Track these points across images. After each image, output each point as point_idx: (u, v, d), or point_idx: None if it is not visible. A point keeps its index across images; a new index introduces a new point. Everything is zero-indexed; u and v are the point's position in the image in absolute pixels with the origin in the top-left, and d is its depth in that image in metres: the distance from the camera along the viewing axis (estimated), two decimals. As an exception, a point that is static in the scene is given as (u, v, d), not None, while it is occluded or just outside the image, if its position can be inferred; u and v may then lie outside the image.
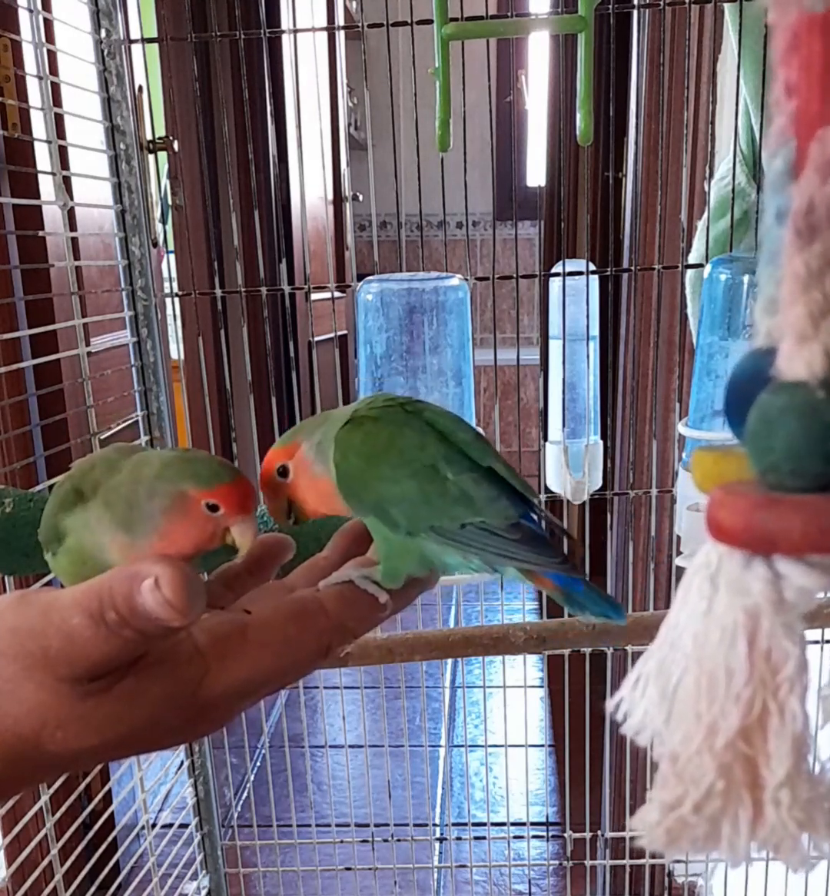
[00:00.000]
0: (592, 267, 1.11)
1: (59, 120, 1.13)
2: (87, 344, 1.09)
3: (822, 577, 0.25)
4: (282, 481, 0.43)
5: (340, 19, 2.14)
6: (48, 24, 1.17)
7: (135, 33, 1.07)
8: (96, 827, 1.14)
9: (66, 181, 1.05)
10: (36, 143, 1.28)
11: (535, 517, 0.41)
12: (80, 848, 1.06)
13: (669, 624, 0.29)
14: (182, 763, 1.27)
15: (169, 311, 1.24)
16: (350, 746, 1.92)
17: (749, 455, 0.28)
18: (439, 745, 2.08)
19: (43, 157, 1.19)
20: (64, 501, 0.42)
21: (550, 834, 1.64)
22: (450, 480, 0.40)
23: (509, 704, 1.36)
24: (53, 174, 1.01)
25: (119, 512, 0.40)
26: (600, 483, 1.19)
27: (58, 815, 1.02)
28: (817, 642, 1.12)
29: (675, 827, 0.26)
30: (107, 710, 0.35)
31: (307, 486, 0.43)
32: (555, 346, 1.17)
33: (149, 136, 1.10)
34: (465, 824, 1.64)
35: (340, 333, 2.17)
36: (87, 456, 0.45)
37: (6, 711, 0.34)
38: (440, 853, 1.71)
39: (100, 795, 1.22)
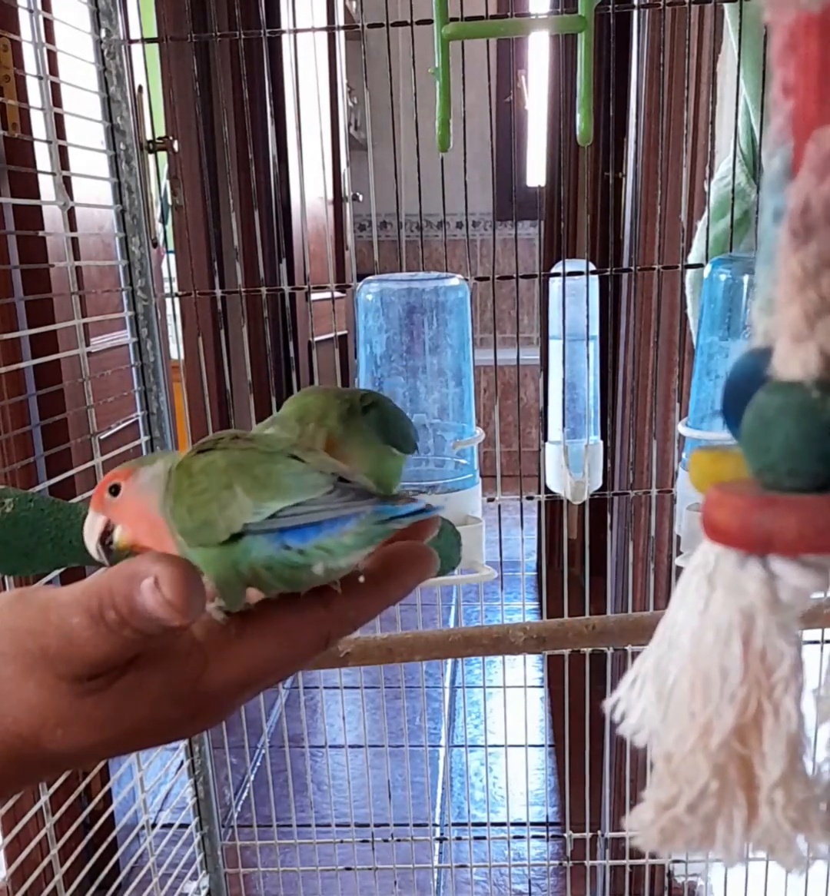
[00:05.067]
0: (592, 267, 1.11)
1: (59, 120, 1.13)
2: (87, 344, 1.09)
3: (817, 577, 0.25)
4: (109, 501, 0.42)
5: (340, 19, 2.14)
6: (48, 24, 1.17)
7: (135, 33, 1.07)
8: (96, 827, 1.14)
9: (67, 181, 1.05)
10: (36, 143, 1.28)
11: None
12: (80, 848, 1.06)
13: (666, 623, 0.29)
14: (182, 763, 1.27)
15: (169, 311, 1.24)
16: (350, 746, 1.92)
17: (745, 455, 0.28)
18: (439, 745, 2.08)
19: (43, 157, 1.20)
20: None
21: (550, 834, 1.64)
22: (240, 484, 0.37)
23: (510, 704, 1.36)
24: (53, 174, 1.01)
25: None
26: (600, 483, 1.19)
27: (58, 815, 1.02)
28: (816, 642, 1.12)
29: (669, 827, 0.25)
30: (107, 708, 0.35)
31: (132, 515, 0.41)
32: (555, 346, 1.17)
33: (149, 136, 1.10)
34: (465, 824, 1.64)
35: (340, 333, 2.17)
36: None
37: (5, 711, 0.34)
38: (440, 853, 1.71)
39: (100, 795, 1.22)
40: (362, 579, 0.37)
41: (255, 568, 0.37)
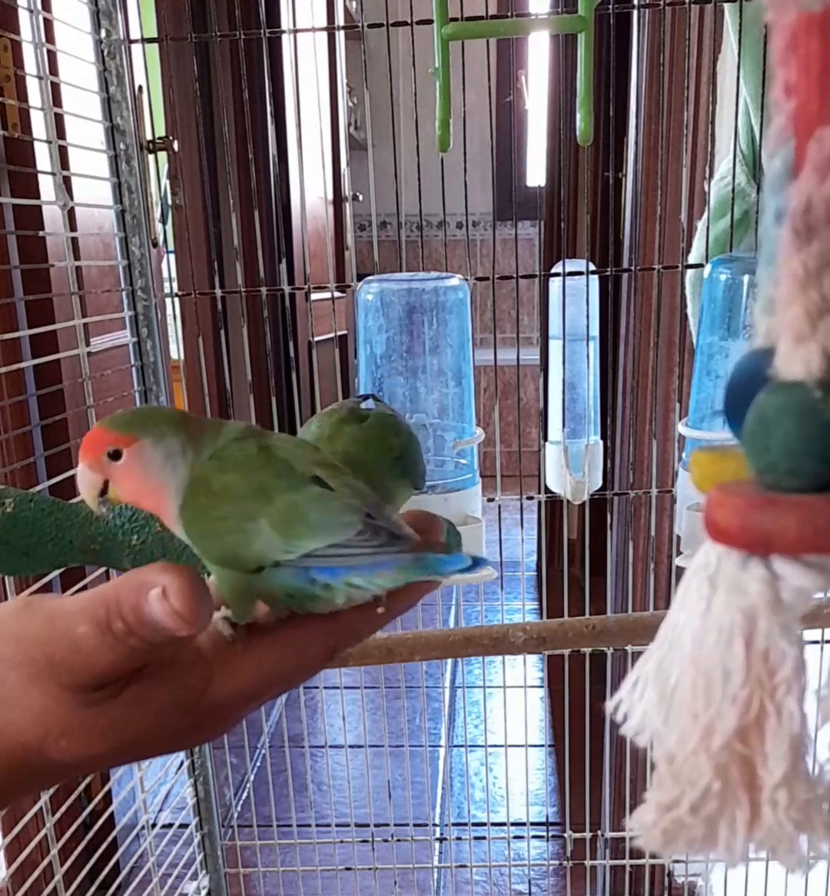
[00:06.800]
0: (592, 267, 1.11)
1: (59, 120, 1.13)
2: (88, 344, 1.09)
3: (818, 577, 0.25)
4: (108, 464, 0.40)
5: (340, 19, 2.15)
6: (48, 24, 1.17)
7: (135, 33, 1.07)
8: (96, 827, 1.14)
9: (66, 181, 1.05)
10: (36, 143, 1.28)
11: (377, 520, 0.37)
12: (80, 848, 1.06)
13: (668, 624, 0.29)
14: (182, 763, 1.27)
15: (169, 311, 1.24)
16: (350, 746, 1.92)
17: (746, 455, 0.28)
18: (439, 745, 2.08)
19: (43, 157, 1.19)
20: None
21: (550, 834, 1.64)
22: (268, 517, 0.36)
23: (509, 704, 1.36)
24: (53, 174, 1.01)
25: None
26: (600, 483, 1.19)
27: (58, 815, 1.02)
28: (816, 642, 1.12)
29: (671, 828, 0.25)
30: (111, 718, 0.35)
31: (137, 485, 0.39)
32: (555, 346, 1.17)
33: (149, 136, 1.10)
34: (465, 824, 1.64)
35: (340, 333, 2.17)
36: None
37: (10, 719, 0.34)
38: (440, 853, 1.71)
39: (100, 795, 1.22)
40: (380, 611, 0.37)
41: (274, 593, 0.36)
